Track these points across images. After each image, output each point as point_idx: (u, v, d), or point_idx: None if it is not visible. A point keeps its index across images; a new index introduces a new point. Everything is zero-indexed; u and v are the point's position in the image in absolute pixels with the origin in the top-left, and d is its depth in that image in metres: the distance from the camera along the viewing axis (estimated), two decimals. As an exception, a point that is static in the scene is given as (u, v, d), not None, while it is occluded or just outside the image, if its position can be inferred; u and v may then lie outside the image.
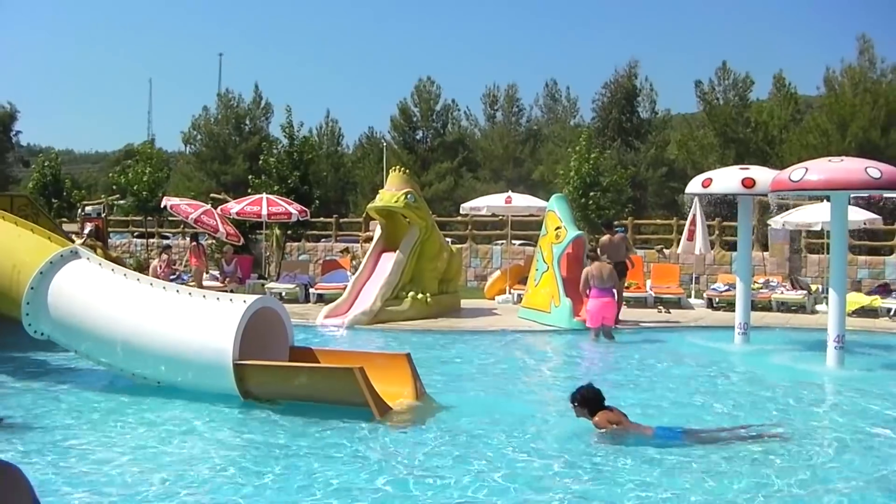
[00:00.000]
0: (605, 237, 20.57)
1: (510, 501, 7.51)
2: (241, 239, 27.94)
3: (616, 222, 26.56)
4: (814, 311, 22.80)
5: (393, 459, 8.67)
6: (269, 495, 7.64)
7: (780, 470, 8.45)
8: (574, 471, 8.36)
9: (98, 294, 12.01)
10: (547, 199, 23.76)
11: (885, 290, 23.55)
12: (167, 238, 39.59)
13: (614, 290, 18.29)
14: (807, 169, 14.37)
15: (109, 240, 35.42)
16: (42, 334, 12.23)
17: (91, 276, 12.30)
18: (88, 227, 29.04)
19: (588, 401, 9.48)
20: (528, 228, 33.08)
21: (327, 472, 8.24)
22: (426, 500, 7.54)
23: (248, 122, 59.55)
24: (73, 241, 17.22)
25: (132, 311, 11.68)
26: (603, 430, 9.31)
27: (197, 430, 9.92)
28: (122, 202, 39.66)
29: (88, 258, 12.73)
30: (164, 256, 25.05)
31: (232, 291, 21.23)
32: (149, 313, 11.60)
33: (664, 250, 31.32)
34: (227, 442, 9.63)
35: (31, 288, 12.05)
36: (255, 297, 12.10)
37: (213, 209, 26.95)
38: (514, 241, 35.17)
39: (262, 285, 25.83)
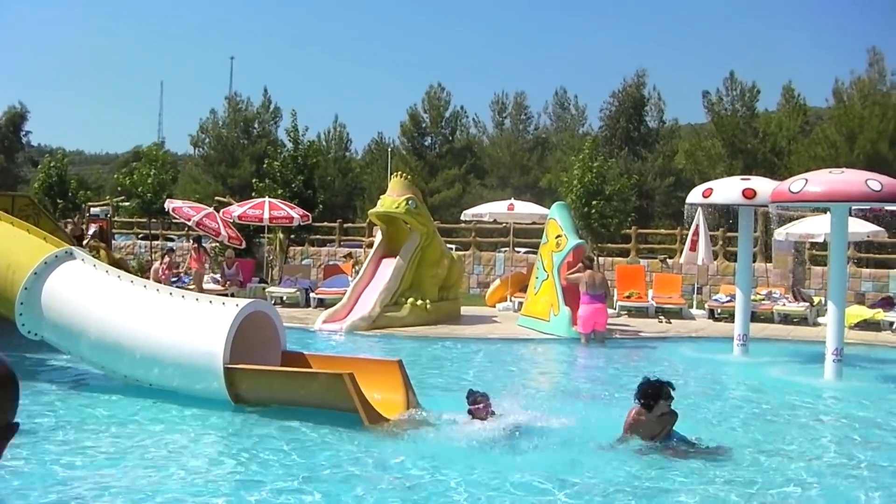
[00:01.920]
0: None
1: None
2: (243, 242, 27.92)
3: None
4: (816, 324, 22.62)
5: (379, 467, 8.62)
6: (243, 496, 7.59)
7: (764, 484, 8.41)
8: (564, 483, 8.29)
9: (91, 296, 11.98)
10: (553, 208, 23.68)
11: (887, 304, 23.44)
12: (172, 240, 39.60)
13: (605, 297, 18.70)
14: (807, 180, 14.32)
15: (113, 241, 35.44)
16: (35, 335, 12.22)
17: (85, 277, 12.28)
18: (93, 228, 29.08)
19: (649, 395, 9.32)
20: (534, 236, 33.02)
21: (311, 479, 8.19)
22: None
23: (256, 125, 59.73)
24: (73, 242, 17.23)
25: (124, 314, 11.66)
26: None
27: (183, 434, 9.87)
28: (126, 204, 39.58)
29: (83, 259, 12.71)
30: (167, 259, 25.04)
31: (232, 295, 21.23)
32: (141, 316, 11.57)
33: (667, 260, 31.23)
34: (213, 446, 9.60)
35: (25, 288, 12.04)
36: (248, 300, 12.05)
37: (215, 212, 26.95)
38: (518, 249, 35.09)
39: (263, 289, 25.82)
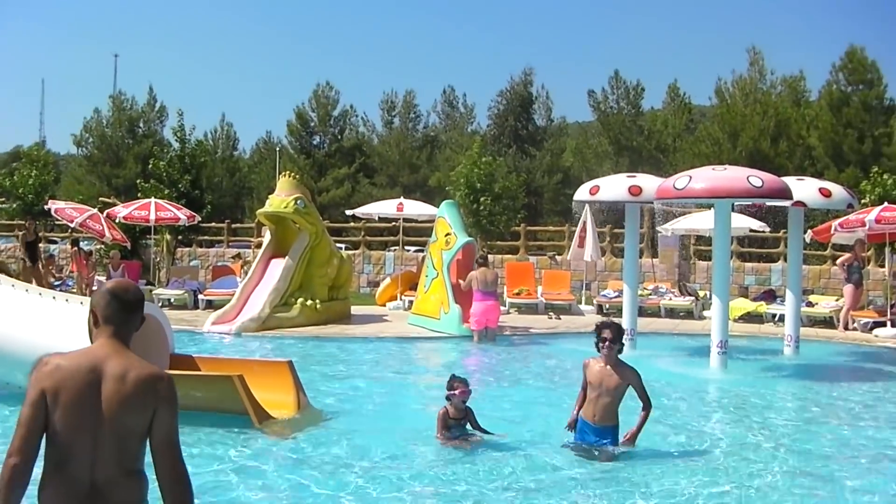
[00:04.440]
0: None
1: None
2: (129, 242, 27.42)
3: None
4: (701, 317, 23.04)
5: (269, 469, 8.53)
6: None
7: (661, 473, 8.54)
8: (451, 481, 8.31)
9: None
10: (442, 206, 23.70)
11: (770, 297, 23.99)
12: (54, 242, 38.71)
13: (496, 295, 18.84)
14: (691, 177, 14.62)
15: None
16: None
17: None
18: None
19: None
20: (423, 234, 33.09)
21: (199, 481, 8.05)
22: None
23: (141, 124, 58.60)
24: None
25: (5, 319, 11.32)
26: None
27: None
28: (6, 205, 38.51)
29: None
30: (50, 265, 24.46)
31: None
32: (23, 320, 11.24)
33: (556, 257, 31.50)
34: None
35: None
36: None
37: (99, 213, 26.42)
38: (408, 248, 35.08)
39: (150, 291, 25.34)
